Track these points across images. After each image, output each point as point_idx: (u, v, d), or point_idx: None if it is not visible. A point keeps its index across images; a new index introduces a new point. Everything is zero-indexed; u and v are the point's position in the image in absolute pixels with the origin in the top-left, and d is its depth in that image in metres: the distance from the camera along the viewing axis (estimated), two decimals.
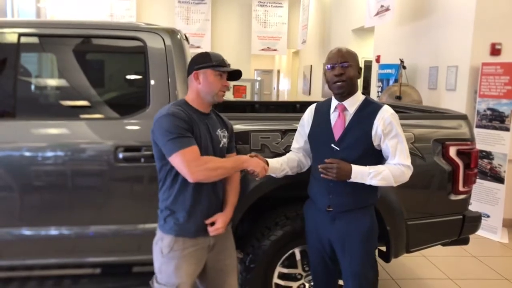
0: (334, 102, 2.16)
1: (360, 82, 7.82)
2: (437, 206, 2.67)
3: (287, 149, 2.45)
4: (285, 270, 2.57)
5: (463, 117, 2.78)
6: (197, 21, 12.34)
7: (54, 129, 2.42)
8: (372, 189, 2.13)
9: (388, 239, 2.57)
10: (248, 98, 8.14)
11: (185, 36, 2.81)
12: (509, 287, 3.54)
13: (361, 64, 2.17)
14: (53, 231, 2.40)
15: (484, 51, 4.76)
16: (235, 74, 2.12)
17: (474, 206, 4.49)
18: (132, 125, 2.44)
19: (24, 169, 2.34)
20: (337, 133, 2.11)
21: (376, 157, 2.12)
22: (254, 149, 2.44)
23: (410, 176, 2.09)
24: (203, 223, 2.01)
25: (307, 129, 2.26)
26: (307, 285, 2.61)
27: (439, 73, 5.38)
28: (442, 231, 2.75)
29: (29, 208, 2.38)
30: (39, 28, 2.50)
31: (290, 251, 2.54)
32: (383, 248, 2.71)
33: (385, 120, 2.05)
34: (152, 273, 2.08)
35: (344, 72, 2.06)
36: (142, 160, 2.38)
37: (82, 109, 2.55)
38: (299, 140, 2.32)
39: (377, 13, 6.52)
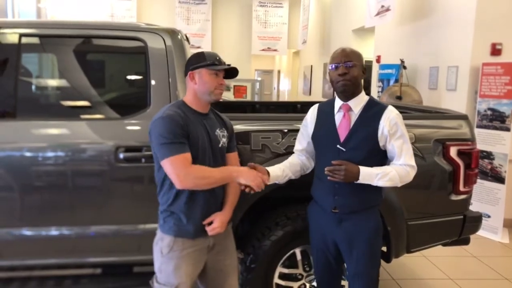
0: (339, 102, 2.14)
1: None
2: (437, 206, 2.67)
3: (287, 149, 2.45)
4: (285, 270, 2.57)
5: (463, 117, 2.78)
6: (197, 21, 12.34)
7: (55, 129, 2.42)
8: (377, 189, 2.12)
9: (388, 239, 2.57)
10: (248, 98, 8.14)
11: (186, 36, 2.81)
12: (510, 287, 3.54)
13: None
14: (54, 231, 2.40)
15: (485, 51, 4.76)
16: (232, 72, 2.11)
17: (474, 206, 4.49)
18: (133, 126, 2.44)
19: (25, 169, 2.34)
20: (343, 134, 2.09)
21: (380, 157, 2.11)
22: (255, 149, 2.45)
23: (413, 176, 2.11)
24: (202, 224, 2.01)
25: (310, 130, 2.24)
26: (307, 285, 2.61)
27: (440, 73, 5.37)
28: (443, 231, 2.75)
29: (30, 208, 2.38)
30: (40, 28, 2.50)
31: (291, 251, 2.54)
32: (384, 248, 2.71)
33: (391, 121, 2.05)
34: (152, 273, 2.09)
35: (348, 71, 2.04)
36: (143, 160, 2.38)
37: (83, 109, 2.55)
38: (302, 142, 2.29)
39: (378, 13, 6.52)
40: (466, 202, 2.75)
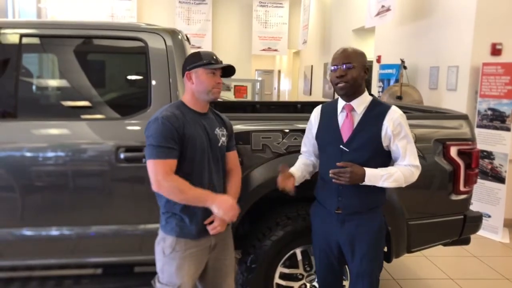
0: (341, 103, 2.14)
1: None
2: (438, 206, 2.67)
3: (288, 149, 2.45)
4: (286, 270, 2.57)
5: (464, 117, 2.78)
6: (197, 21, 12.34)
7: (56, 130, 2.42)
8: (381, 190, 2.13)
9: (389, 239, 2.57)
10: (249, 98, 8.14)
11: (186, 36, 2.81)
12: (510, 287, 3.54)
13: None
14: (55, 232, 2.40)
15: (485, 51, 4.76)
16: (229, 71, 2.11)
17: (475, 206, 4.49)
18: (133, 126, 2.45)
19: (26, 170, 2.34)
20: (346, 134, 2.09)
21: (384, 157, 2.11)
22: (256, 149, 2.45)
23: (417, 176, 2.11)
24: (203, 224, 2.01)
25: (314, 130, 2.23)
26: (308, 285, 2.61)
27: (440, 73, 5.38)
28: (443, 231, 2.75)
29: (31, 208, 2.38)
30: (41, 28, 2.51)
31: (291, 251, 2.54)
32: (384, 248, 2.71)
33: (395, 121, 2.04)
34: (153, 273, 2.09)
35: (346, 73, 2.04)
36: (144, 160, 2.37)
37: (83, 109, 2.55)
38: (308, 143, 2.29)
39: (378, 13, 6.52)
40: (467, 202, 2.75)
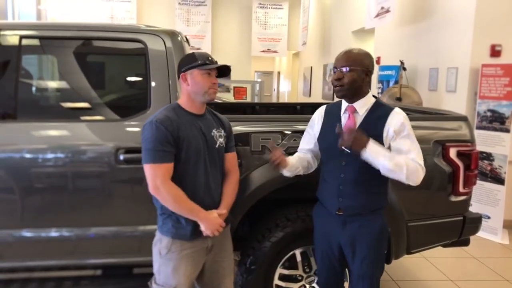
0: (344, 104, 2.14)
1: None
2: (437, 207, 2.67)
3: (287, 151, 2.45)
4: (286, 272, 2.57)
5: (463, 118, 2.79)
6: (197, 23, 12.35)
7: (55, 131, 2.43)
8: (383, 191, 2.13)
9: (388, 240, 2.57)
10: (248, 99, 8.15)
11: (186, 38, 2.82)
12: None
13: None
14: (54, 233, 2.40)
15: (484, 52, 4.76)
16: (225, 71, 2.10)
17: (474, 208, 4.49)
18: (133, 127, 2.45)
19: (25, 171, 2.34)
20: None
21: None
22: (255, 151, 2.45)
23: (420, 181, 2.01)
24: (199, 225, 2.00)
25: (316, 130, 2.23)
26: (307, 286, 2.61)
27: (439, 74, 5.38)
28: (443, 232, 2.75)
29: (30, 209, 2.38)
30: (40, 30, 2.51)
31: (291, 253, 2.54)
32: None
33: (397, 122, 2.02)
34: (152, 275, 2.09)
35: (343, 77, 2.04)
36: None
37: (83, 111, 2.55)
38: (308, 141, 2.28)
39: (377, 15, 6.53)
40: (466, 203, 2.75)
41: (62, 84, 2.60)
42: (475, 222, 2.78)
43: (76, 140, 2.40)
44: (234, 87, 8.38)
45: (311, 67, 12.05)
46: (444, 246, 2.85)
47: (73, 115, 2.55)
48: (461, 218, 2.73)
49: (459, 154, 2.61)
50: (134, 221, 2.46)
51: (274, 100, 19.29)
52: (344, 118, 2.14)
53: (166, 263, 2.01)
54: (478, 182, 4.38)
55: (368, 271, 2.13)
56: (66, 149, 2.37)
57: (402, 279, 3.58)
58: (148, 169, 1.94)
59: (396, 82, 5.94)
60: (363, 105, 2.10)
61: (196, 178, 2.01)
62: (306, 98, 12.38)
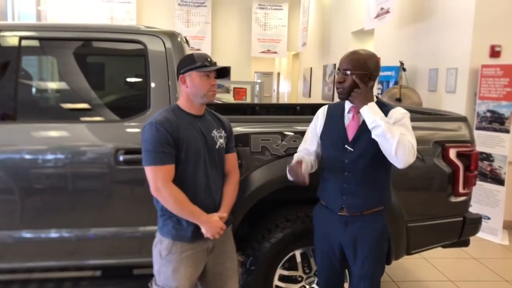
0: (348, 104, 2.15)
1: None
2: (437, 208, 2.67)
3: (287, 151, 2.45)
4: (285, 272, 2.57)
5: (463, 119, 2.79)
6: (197, 24, 12.36)
7: (55, 132, 2.42)
8: (386, 189, 2.13)
9: (388, 241, 2.57)
10: (248, 100, 8.15)
11: (185, 38, 2.82)
12: None
13: None
14: (54, 234, 2.40)
15: (484, 53, 4.77)
16: (224, 71, 2.09)
17: (474, 208, 4.49)
18: (133, 128, 2.45)
19: (25, 172, 2.34)
20: (351, 134, 2.09)
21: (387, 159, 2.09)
22: (255, 151, 2.45)
23: (409, 163, 1.94)
24: (199, 227, 2.00)
25: (319, 129, 2.23)
26: (307, 287, 2.61)
27: (439, 75, 5.38)
28: (443, 233, 2.75)
29: (30, 210, 2.38)
30: (40, 31, 2.51)
31: (291, 253, 2.54)
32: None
33: (398, 115, 2.02)
34: (152, 275, 2.09)
35: (344, 80, 2.04)
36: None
37: (83, 112, 2.55)
38: (310, 141, 2.26)
39: (377, 16, 6.53)
40: (466, 204, 2.75)
41: (62, 85, 2.60)
42: (475, 223, 2.78)
43: (75, 141, 2.40)
44: (234, 88, 8.39)
45: (311, 68, 12.05)
46: (444, 246, 2.85)
47: (73, 116, 2.55)
48: (461, 218, 2.73)
49: (459, 155, 2.61)
50: (134, 222, 2.46)
51: (274, 101, 19.30)
52: (347, 118, 2.14)
53: (166, 265, 2.00)
54: (478, 182, 4.38)
55: (369, 271, 2.13)
56: (65, 150, 2.37)
57: (402, 280, 3.58)
58: (149, 171, 1.94)
59: (396, 82, 5.95)
60: None
61: (196, 179, 2.01)
62: (306, 99, 12.38)
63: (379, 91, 6.56)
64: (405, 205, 2.57)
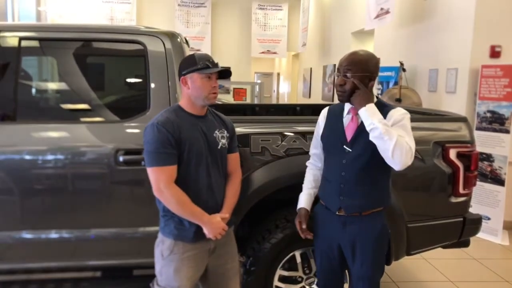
0: (348, 105, 2.15)
1: None
2: (437, 209, 2.67)
3: (287, 152, 2.45)
4: (285, 273, 2.56)
5: (463, 119, 2.79)
6: (197, 24, 12.36)
7: (55, 133, 2.42)
8: (385, 190, 2.12)
9: (388, 242, 2.57)
10: (248, 101, 8.16)
11: (185, 39, 2.81)
12: None
13: None
14: (54, 235, 2.40)
15: (484, 53, 4.77)
16: (226, 73, 2.08)
17: (474, 209, 4.48)
18: (133, 128, 2.45)
19: (25, 173, 2.34)
20: (349, 135, 2.09)
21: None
22: (255, 152, 2.45)
23: (406, 165, 1.92)
24: (201, 227, 2.00)
25: (320, 131, 2.24)
26: (307, 287, 2.61)
27: (439, 75, 5.38)
28: (443, 234, 2.75)
29: (30, 211, 2.38)
30: (40, 31, 2.51)
31: (291, 254, 2.54)
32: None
33: (397, 116, 2.01)
34: (152, 276, 2.09)
35: (345, 82, 2.03)
36: (143, 163, 2.37)
37: (83, 112, 2.55)
38: (316, 144, 2.28)
39: (377, 16, 6.53)
40: (466, 204, 2.75)
41: (62, 86, 2.60)
42: (475, 223, 2.78)
43: (75, 142, 2.40)
44: (234, 89, 8.40)
45: (311, 68, 12.06)
46: (444, 247, 2.84)
47: (73, 116, 2.55)
48: (461, 219, 2.73)
49: (459, 155, 2.61)
50: (134, 223, 2.45)
51: (273, 102, 19.30)
52: (347, 119, 2.14)
53: (168, 265, 2.00)
54: (478, 183, 4.38)
55: (369, 272, 2.12)
56: (65, 151, 2.37)
57: (402, 281, 3.57)
58: (151, 172, 1.93)
59: (396, 83, 5.95)
60: None
61: (198, 180, 2.00)
62: (306, 99, 12.39)
63: (379, 92, 6.56)
64: (405, 206, 2.57)
